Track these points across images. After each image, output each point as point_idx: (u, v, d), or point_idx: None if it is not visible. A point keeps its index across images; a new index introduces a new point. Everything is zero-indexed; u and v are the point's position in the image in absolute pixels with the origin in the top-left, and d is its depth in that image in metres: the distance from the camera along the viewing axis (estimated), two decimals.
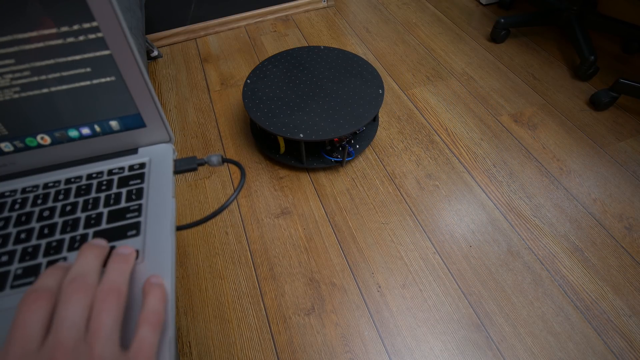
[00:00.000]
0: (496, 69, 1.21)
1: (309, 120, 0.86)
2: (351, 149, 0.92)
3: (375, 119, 1.00)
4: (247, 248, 0.81)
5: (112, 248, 0.28)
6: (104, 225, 0.29)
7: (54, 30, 0.26)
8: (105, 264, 0.25)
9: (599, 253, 0.79)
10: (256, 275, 0.77)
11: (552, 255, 0.79)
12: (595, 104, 1.07)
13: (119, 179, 0.32)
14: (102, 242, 0.25)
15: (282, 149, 0.92)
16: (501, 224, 0.84)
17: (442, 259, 0.79)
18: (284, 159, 0.93)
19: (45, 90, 0.29)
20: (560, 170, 0.93)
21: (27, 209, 0.30)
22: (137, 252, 0.27)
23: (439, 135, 1.02)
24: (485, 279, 0.76)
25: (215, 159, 0.38)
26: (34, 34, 0.26)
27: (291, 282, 0.76)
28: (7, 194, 0.31)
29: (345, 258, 0.79)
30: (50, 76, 0.28)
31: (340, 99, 0.91)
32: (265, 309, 0.73)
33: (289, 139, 0.83)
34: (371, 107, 0.89)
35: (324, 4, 1.50)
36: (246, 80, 0.96)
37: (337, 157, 0.91)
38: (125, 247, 0.25)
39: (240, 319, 0.72)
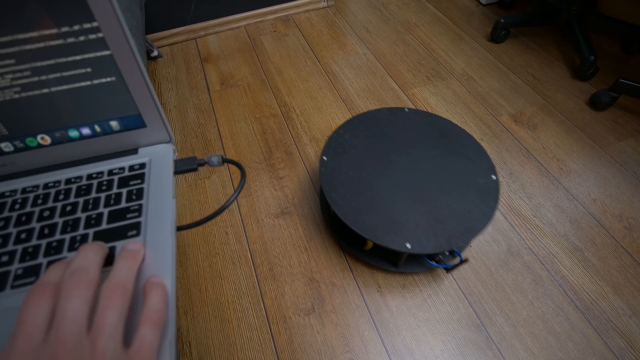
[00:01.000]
0: (496, 69, 1.21)
1: (409, 220, 0.66)
2: (459, 252, 0.67)
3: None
4: (247, 248, 0.81)
5: (111, 249, 0.28)
6: (104, 226, 0.29)
7: (54, 31, 0.26)
8: (107, 263, 0.25)
9: (599, 253, 0.79)
10: (256, 275, 0.77)
11: (552, 255, 0.79)
12: (595, 104, 1.07)
13: (119, 179, 0.32)
14: (101, 243, 0.25)
15: (370, 246, 0.74)
16: (501, 224, 0.84)
17: None
18: (372, 260, 0.74)
19: (45, 91, 0.29)
20: (560, 170, 0.93)
21: (28, 209, 0.30)
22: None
23: None
24: (485, 279, 0.76)
25: (215, 159, 0.38)
26: (34, 34, 0.26)
27: (291, 282, 0.76)
28: (7, 194, 0.31)
29: (345, 258, 0.79)
30: (51, 76, 0.28)
31: (444, 187, 0.71)
32: (265, 309, 0.73)
33: (391, 249, 0.64)
34: (487, 202, 0.68)
35: (324, 4, 1.50)
36: (322, 157, 0.75)
37: (442, 263, 0.68)
38: (134, 243, 0.25)
39: (240, 319, 0.72)
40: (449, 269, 0.72)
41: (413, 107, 1.10)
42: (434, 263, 0.69)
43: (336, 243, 0.81)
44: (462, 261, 0.67)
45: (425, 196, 0.70)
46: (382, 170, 0.74)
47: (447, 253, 0.68)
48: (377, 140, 0.79)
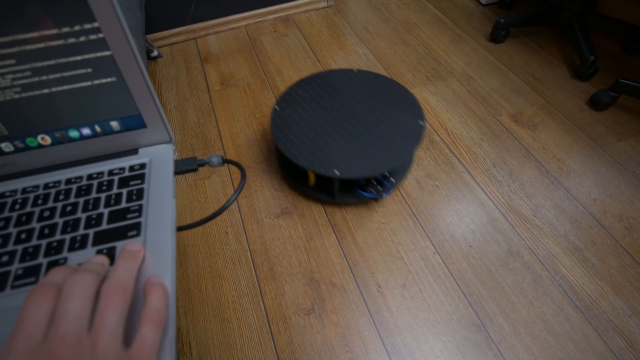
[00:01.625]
0: (496, 69, 1.21)
1: (343, 154, 0.79)
2: (388, 185, 0.83)
3: None
4: (247, 248, 0.81)
5: (111, 250, 0.28)
6: (104, 226, 0.29)
7: (55, 31, 0.26)
8: (112, 262, 0.25)
9: (599, 253, 0.79)
10: (256, 275, 0.77)
11: (552, 255, 0.79)
12: (595, 104, 1.07)
13: (120, 179, 0.32)
14: (103, 259, 0.25)
15: (312, 181, 0.85)
16: (501, 224, 0.84)
17: (442, 259, 0.79)
18: (313, 193, 0.86)
19: (46, 91, 0.29)
20: (560, 170, 0.93)
21: (28, 209, 0.30)
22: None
23: (439, 135, 1.02)
24: (485, 279, 0.76)
25: (215, 160, 0.38)
26: (35, 34, 0.26)
27: (291, 282, 0.76)
28: (7, 194, 0.31)
29: (345, 258, 0.79)
30: (51, 77, 0.28)
31: (377, 129, 0.83)
32: (265, 309, 0.73)
33: (323, 175, 0.76)
34: (411, 141, 0.80)
35: (324, 4, 1.50)
36: (274, 107, 0.89)
37: (373, 193, 0.83)
38: (134, 243, 0.26)
39: (240, 319, 0.72)
40: (377, 199, 0.87)
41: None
42: (364, 193, 0.83)
43: (333, 235, 0.81)
44: (389, 189, 0.83)
45: (361, 136, 0.82)
46: (325, 117, 0.87)
47: (379, 187, 0.83)
48: (325, 94, 0.92)
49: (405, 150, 0.79)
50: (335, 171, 0.75)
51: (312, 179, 0.84)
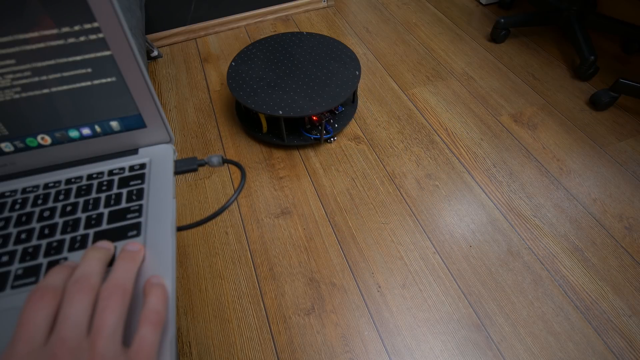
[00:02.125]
0: (496, 69, 1.21)
1: (289, 99, 0.91)
2: (329, 127, 0.98)
3: (354, 101, 1.07)
4: (247, 248, 0.81)
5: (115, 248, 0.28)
6: (104, 226, 0.29)
7: (55, 31, 0.26)
8: (111, 262, 0.25)
9: (599, 253, 0.79)
10: (256, 275, 0.77)
11: (552, 255, 0.79)
12: (595, 104, 1.07)
13: (120, 179, 0.32)
14: (107, 245, 0.25)
15: (265, 128, 0.97)
16: (501, 224, 0.84)
17: (442, 259, 0.79)
18: (266, 138, 0.98)
19: (45, 91, 0.29)
20: (560, 170, 0.93)
21: (28, 209, 0.30)
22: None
23: (439, 135, 1.02)
24: (485, 279, 0.76)
25: (215, 160, 0.38)
26: (35, 34, 0.26)
27: (291, 282, 0.76)
28: (7, 194, 0.31)
29: (345, 258, 0.79)
30: (51, 77, 0.28)
31: (319, 79, 0.96)
32: (265, 309, 0.73)
33: (269, 115, 0.89)
34: (347, 87, 0.94)
35: (324, 4, 1.50)
36: (231, 63, 1.01)
37: (316, 135, 0.96)
38: (134, 243, 0.26)
39: (240, 319, 0.72)
40: (319, 140, 0.97)
41: (413, 107, 1.10)
42: (308, 135, 0.97)
43: (333, 235, 0.81)
44: (332, 132, 0.98)
45: (305, 84, 0.95)
46: (275, 70, 1.00)
47: (320, 127, 0.97)
48: (277, 52, 1.05)
49: (342, 94, 0.92)
50: (280, 111, 0.88)
51: (264, 125, 0.96)
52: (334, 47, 1.06)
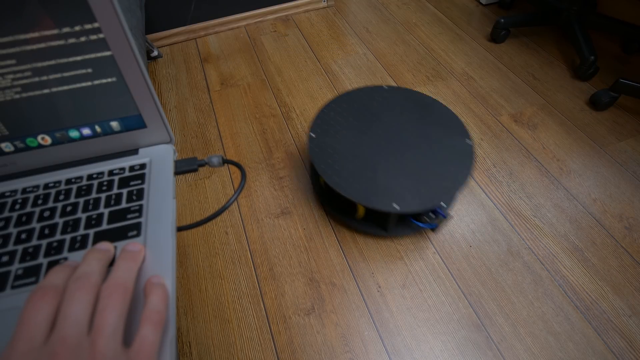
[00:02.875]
0: (496, 69, 1.21)
1: (397, 185, 0.71)
2: (442, 212, 0.73)
3: None
4: (247, 248, 0.81)
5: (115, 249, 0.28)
6: (104, 226, 0.29)
7: (55, 31, 0.27)
8: (112, 263, 0.25)
9: (599, 253, 0.79)
10: (256, 275, 0.77)
11: (552, 255, 0.79)
12: (595, 104, 1.07)
13: (120, 179, 0.32)
14: (107, 246, 0.25)
15: (361, 214, 0.78)
16: (501, 224, 0.84)
17: (442, 259, 0.79)
18: (362, 226, 0.79)
19: (46, 91, 0.29)
20: (560, 170, 0.93)
21: (28, 209, 0.30)
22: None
23: None
24: (485, 279, 0.76)
25: (216, 160, 0.38)
26: (35, 34, 0.26)
27: (291, 282, 0.76)
28: (7, 194, 0.31)
29: (345, 258, 0.79)
30: (52, 77, 0.28)
31: (424, 153, 0.76)
32: (265, 309, 0.73)
33: (380, 210, 0.68)
34: (464, 163, 0.73)
35: (324, 4, 1.50)
36: (310, 134, 0.80)
37: (428, 223, 0.75)
38: (135, 244, 0.26)
39: (240, 319, 0.72)
40: (434, 229, 0.79)
41: None
42: (420, 223, 0.75)
43: (333, 235, 0.81)
44: (445, 217, 0.73)
45: (408, 162, 0.75)
46: (366, 141, 0.78)
47: (432, 215, 0.74)
48: (360, 116, 0.84)
49: (460, 175, 0.72)
50: (395, 206, 0.67)
51: (361, 211, 0.77)
52: (427, 104, 0.85)
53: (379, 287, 0.75)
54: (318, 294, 0.74)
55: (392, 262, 0.78)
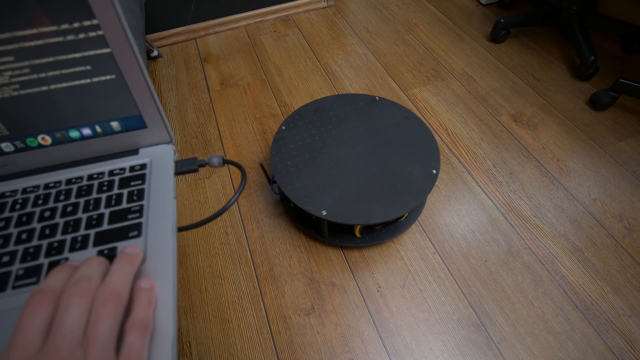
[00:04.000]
0: (496, 69, 1.21)
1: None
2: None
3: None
4: (247, 248, 0.81)
5: (111, 250, 0.28)
6: (105, 226, 0.29)
7: (54, 28, 0.26)
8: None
9: (599, 253, 0.79)
10: (256, 275, 0.77)
11: (552, 255, 0.79)
12: (595, 104, 1.07)
13: (120, 179, 0.32)
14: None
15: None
16: (501, 224, 0.84)
17: (442, 259, 0.79)
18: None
19: (44, 88, 0.29)
20: (560, 170, 0.94)
21: (28, 209, 0.30)
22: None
23: (439, 135, 1.02)
24: (485, 279, 0.76)
25: (216, 160, 0.37)
26: (33, 31, 0.26)
27: (291, 282, 0.76)
28: (7, 194, 0.31)
29: (345, 258, 0.79)
30: (50, 74, 0.28)
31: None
32: (265, 309, 0.73)
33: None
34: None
35: (324, 4, 1.50)
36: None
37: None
38: (134, 247, 0.26)
39: (240, 319, 0.72)
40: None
41: (413, 107, 1.10)
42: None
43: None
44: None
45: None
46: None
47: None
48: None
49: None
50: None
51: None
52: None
53: (379, 287, 0.75)
54: (318, 294, 0.74)
55: (392, 262, 0.78)
